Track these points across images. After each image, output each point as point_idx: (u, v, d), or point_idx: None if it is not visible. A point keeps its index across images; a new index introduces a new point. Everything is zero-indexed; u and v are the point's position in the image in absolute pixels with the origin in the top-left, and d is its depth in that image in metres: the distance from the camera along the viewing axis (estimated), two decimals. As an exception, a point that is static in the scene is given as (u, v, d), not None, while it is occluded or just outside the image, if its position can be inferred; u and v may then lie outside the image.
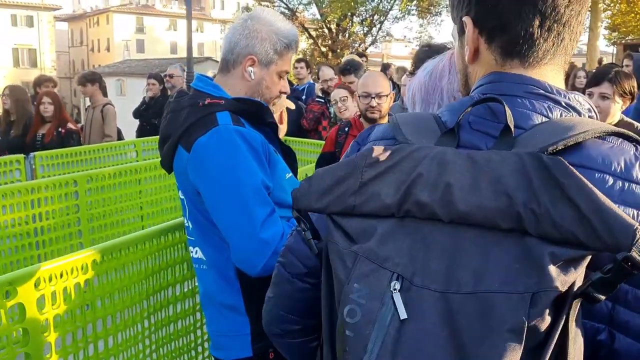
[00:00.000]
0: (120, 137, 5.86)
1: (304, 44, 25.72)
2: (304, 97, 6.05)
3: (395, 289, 0.70)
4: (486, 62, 0.91)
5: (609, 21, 24.78)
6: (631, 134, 0.80)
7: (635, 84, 2.85)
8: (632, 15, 21.69)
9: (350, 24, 23.24)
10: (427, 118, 0.91)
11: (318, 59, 21.43)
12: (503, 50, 0.88)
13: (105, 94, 6.07)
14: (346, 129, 3.37)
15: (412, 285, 0.70)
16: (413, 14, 23.02)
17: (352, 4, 20.57)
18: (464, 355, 0.66)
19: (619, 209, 0.67)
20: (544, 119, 0.83)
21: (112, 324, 1.82)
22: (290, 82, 6.61)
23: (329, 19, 22.37)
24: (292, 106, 2.15)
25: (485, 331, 0.65)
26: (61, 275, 1.60)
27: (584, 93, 3.04)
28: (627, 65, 3.45)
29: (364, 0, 21.70)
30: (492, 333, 0.65)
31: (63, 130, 4.88)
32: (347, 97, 4.00)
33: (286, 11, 23.41)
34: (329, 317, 0.83)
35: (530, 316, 0.64)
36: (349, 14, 22.12)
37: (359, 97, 3.25)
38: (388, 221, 0.75)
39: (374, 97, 3.14)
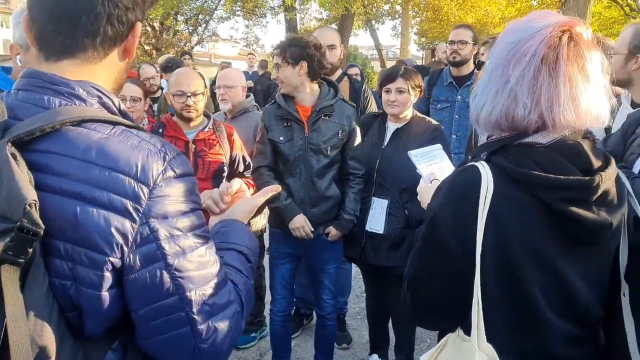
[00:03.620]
0: None
1: (125, 42, 24.28)
2: (119, 96, 5.65)
3: None
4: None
5: (418, 27, 27.20)
6: (109, 118, 0.95)
7: (420, 80, 3.16)
8: (437, 22, 24.00)
9: (174, 22, 22.47)
10: None
11: (142, 57, 20.37)
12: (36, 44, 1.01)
13: None
14: (160, 131, 3.12)
15: None
16: (239, 15, 22.95)
17: (176, 2, 19.85)
18: None
19: (26, 187, 0.79)
20: (42, 110, 0.92)
21: None
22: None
23: (151, 16, 21.37)
24: None
25: None
26: None
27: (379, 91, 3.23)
28: (482, 54, 3.69)
29: (188, -1, 21.20)
30: None
31: None
32: (139, 98, 3.62)
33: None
34: None
35: None
36: (173, 12, 21.37)
37: (172, 96, 3.07)
38: None
39: (189, 96, 3.00)
